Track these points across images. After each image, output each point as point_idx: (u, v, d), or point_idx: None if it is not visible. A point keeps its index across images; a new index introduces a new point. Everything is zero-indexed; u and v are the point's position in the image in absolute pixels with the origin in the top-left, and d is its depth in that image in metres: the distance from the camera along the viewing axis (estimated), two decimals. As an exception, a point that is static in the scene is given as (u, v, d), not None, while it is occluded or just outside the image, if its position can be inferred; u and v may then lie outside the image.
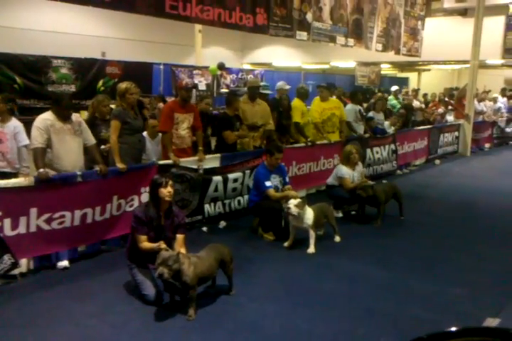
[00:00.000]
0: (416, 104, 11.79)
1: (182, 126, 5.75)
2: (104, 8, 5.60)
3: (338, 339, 3.38)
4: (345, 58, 16.63)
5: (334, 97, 8.67)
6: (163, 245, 3.68)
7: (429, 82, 20.62)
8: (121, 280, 4.18)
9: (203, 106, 6.55)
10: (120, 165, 4.89)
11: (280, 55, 18.32)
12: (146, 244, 3.84)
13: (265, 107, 6.92)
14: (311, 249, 5.05)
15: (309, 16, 8.11)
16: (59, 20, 13.02)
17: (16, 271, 4.18)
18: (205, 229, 5.75)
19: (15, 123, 4.79)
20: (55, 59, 10.16)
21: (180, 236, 4.02)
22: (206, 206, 5.87)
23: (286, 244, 5.22)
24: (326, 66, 19.03)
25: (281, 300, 3.96)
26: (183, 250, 3.90)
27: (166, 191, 3.91)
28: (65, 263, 4.50)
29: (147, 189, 5.10)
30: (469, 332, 1.26)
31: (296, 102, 7.74)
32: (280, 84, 7.83)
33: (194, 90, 7.72)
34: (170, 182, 3.97)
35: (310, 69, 19.15)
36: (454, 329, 1.21)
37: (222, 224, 5.96)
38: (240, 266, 4.34)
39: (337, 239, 5.45)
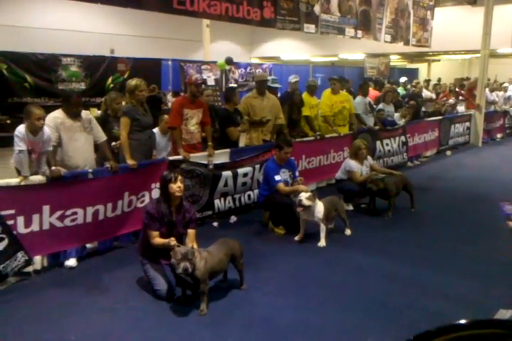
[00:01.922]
0: (427, 94, 11.69)
1: (191, 122, 5.77)
2: (113, 5, 5.63)
3: (350, 333, 3.39)
4: (354, 50, 16.51)
5: (344, 91, 8.63)
6: (173, 242, 3.71)
7: (439, 73, 20.40)
8: (133, 276, 4.22)
9: (203, 99, 6.53)
10: (130, 162, 4.92)
11: (288, 49, 18.24)
12: (157, 239, 3.87)
13: (274, 101, 6.90)
14: (322, 243, 5.06)
15: (317, 8, 8.05)
16: (67, 18, 13.09)
17: (29, 268, 4.25)
18: (215, 224, 5.77)
19: (47, 132, 4.48)
20: (65, 57, 10.22)
21: (191, 232, 4.05)
22: (216, 201, 5.89)
23: (297, 238, 5.23)
24: (335, 58, 18.91)
25: (293, 293, 3.98)
26: (194, 245, 3.93)
27: (176, 186, 3.93)
28: (72, 262, 4.53)
29: (158, 185, 5.15)
30: (479, 324, 1.25)
31: (304, 96, 7.73)
32: (290, 77, 7.83)
33: (203, 85, 7.75)
34: (179, 178, 3.99)
35: (318, 62, 19.04)
36: (463, 321, 1.21)
37: (233, 218, 5.98)
38: (251, 260, 4.36)
39: (348, 232, 5.44)
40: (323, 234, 5.08)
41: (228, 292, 4.00)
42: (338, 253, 4.88)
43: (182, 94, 9.83)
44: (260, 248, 5.05)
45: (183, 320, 3.56)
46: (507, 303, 3.68)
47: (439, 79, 13.80)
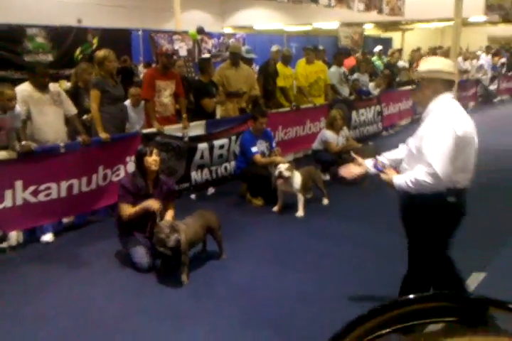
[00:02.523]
0: (400, 63, 11.69)
1: (164, 94, 5.65)
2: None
3: (330, 300, 3.45)
4: (327, 19, 16.32)
5: (321, 61, 8.55)
6: (156, 205, 3.71)
7: (412, 42, 20.39)
8: (111, 249, 4.19)
9: (176, 70, 6.38)
10: (103, 135, 4.81)
11: (261, 18, 17.89)
12: (129, 209, 3.84)
13: (249, 72, 6.79)
14: (300, 213, 5.10)
15: (290, -24, 7.89)
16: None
17: (4, 244, 4.19)
18: (193, 196, 5.75)
19: (17, 108, 4.31)
20: (30, 27, 9.77)
21: (170, 204, 4.03)
22: (193, 173, 5.84)
23: (275, 209, 5.26)
24: (309, 28, 18.67)
25: (272, 263, 4.02)
26: (170, 217, 3.93)
27: (152, 159, 3.88)
28: (48, 237, 4.48)
29: (132, 158, 5.08)
30: (427, 298, 1.27)
31: (279, 66, 7.63)
32: (272, 47, 7.74)
33: (175, 56, 7.58)
34: (154, 151, 3.93)
35: (293, 32, 18.78)
36: (412, 296, 1.22)
37: (211, 190, 5.97)
38: (229, 231, 4.37)
39: (325, 201, 5.50)
40: (301, 204, 5.12)
41: (208, 262, 4.02)
42: (316, 223, 4.93)
43: (154, 65, 9.59)
44: (239, 219, 5.06)
45: (164, 290, 3.57)
46: (480, 266, 3.80)
47: (419, 48, 13.80)
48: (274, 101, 7.47)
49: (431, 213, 2.67)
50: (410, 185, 2.58)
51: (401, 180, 2.66)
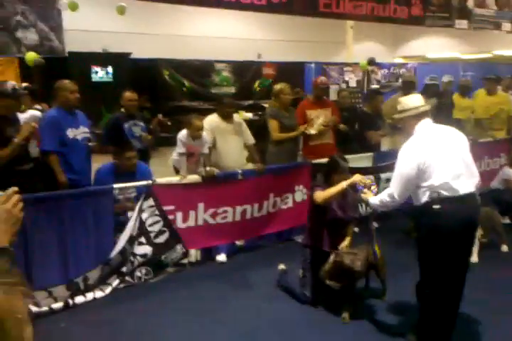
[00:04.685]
0: None
1: (317, 122, 5.77)
2: (265, 12, 5.91)
3: None
4: (510, 45, 15.07)
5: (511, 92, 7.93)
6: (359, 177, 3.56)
7: None
8: (276, 276, 4.28)
9: (340, 101, 6.53)
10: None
11: (435, 46, 17.27)
12: (327, 191, 3.71)
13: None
14: (474, 258, 4.67)
15: (470, 3, 7.58)
16: (220, 26, 13.90)
17: (185, 261, 4.63)
18: (356, 229, 5.69)
19: (204, 136, 4.80)
20: (218, 63, 10.90)
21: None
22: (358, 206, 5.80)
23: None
24: (488, 55, 17.42)
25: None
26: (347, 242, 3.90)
27: (340, 178, 3.85)
28: (222, 257, 4.82)
29: (301, 187, 5.27)
30: None
31: (455, 97, 7.28)
32: (443, 77, 7.58)
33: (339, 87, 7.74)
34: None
35: (468, 60, 17.71)
36: None
37: (374, 225, 5.84)
38: (392, 272, 4.17)
39: (504, 248, 4.99)
40: (475, 249, 4.72)
41: (368, 301, 3.94)
42: (491, 271, 4.49)
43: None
44: (402, 259, 4.75)
45: (322, 325, 3.58)
46: None
47: None
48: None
49: (424, 222, 3.00)
50: (378, 203, 3.10)
51: (374, 200, 3.15)
